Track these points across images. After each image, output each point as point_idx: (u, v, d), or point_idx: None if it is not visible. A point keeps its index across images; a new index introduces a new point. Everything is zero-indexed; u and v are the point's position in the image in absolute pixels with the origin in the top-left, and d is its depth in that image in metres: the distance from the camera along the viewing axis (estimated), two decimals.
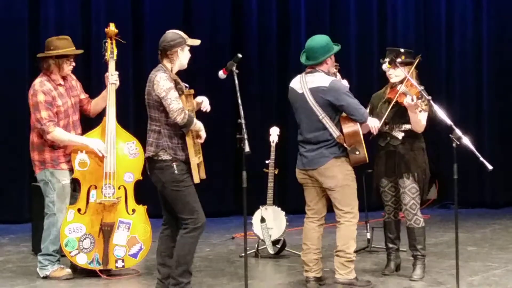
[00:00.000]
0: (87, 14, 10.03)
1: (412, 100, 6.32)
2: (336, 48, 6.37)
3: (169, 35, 5.96)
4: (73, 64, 6.97)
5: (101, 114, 7.07)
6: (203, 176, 6.05)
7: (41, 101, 6.74)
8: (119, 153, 6.82)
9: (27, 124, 9.68)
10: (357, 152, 6.23)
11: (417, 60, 6.63)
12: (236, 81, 6.01)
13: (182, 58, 5.97)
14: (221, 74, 6.13)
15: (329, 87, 6.22)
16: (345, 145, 6.23)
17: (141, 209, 6.91)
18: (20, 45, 9.86)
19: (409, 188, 6.61)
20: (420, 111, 6.36)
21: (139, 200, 6.95)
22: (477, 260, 7.47)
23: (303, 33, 10.66)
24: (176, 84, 5.87)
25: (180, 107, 5.78)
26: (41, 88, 6.78)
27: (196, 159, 5.90)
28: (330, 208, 6.44)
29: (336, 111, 6.26)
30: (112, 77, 6.88)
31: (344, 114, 6.28)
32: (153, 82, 5.87)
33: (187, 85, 6.05)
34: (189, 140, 5.88)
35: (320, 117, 6.24)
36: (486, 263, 7.33)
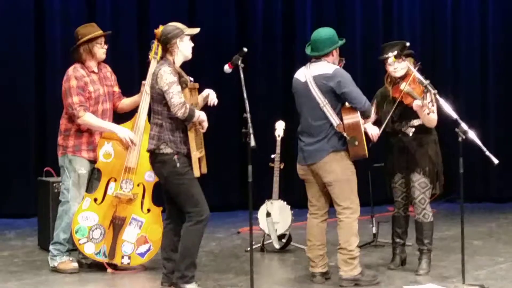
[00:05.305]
0: (92, 6, 10.02)
1: (421, 104, 6.30)
2: (341, 41, 6.37)
3: (167, 29, 5.97)
4: (105, 46, 6.98)
5: (133, 111, 7.00)
6: (204, 170, 6.04)
7: (73, 86, 6.77)
8: (144, 151, 6.68)
9: (33, 118, 9.80)
10: (356, 143, 6.19)
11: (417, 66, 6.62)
12: (242, 75, 6.00)
13: (183, 49, 5.97)
14: (227, 68, 6.13)
15: (333, 73, 6.21)
16: (344, 134, 6.20)
17: (156, 210, 6.82)
18: (26, 38, 9.83)
19: (419, 183, 6.60)
20: (428, 113, 6.35)
21: (157, 201, 6.83)
22: (483, 254, 7.46)
23: (308, 27, 10.63)
24: (180, 77, 5.88)
25: (181, 102, 5.77)
26: (74, 73, 6.83)
27: (197, 153, 5.89)
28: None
29: (338, 99, 6.23)
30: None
31: (346, 105, 6.26)
32: (157, 75, 5.87)
33: (192, 79, 6.03)
34: (191, 134, 5.87)
35: (321, 105, 6.21)
36: (492, 257, 7.32)
